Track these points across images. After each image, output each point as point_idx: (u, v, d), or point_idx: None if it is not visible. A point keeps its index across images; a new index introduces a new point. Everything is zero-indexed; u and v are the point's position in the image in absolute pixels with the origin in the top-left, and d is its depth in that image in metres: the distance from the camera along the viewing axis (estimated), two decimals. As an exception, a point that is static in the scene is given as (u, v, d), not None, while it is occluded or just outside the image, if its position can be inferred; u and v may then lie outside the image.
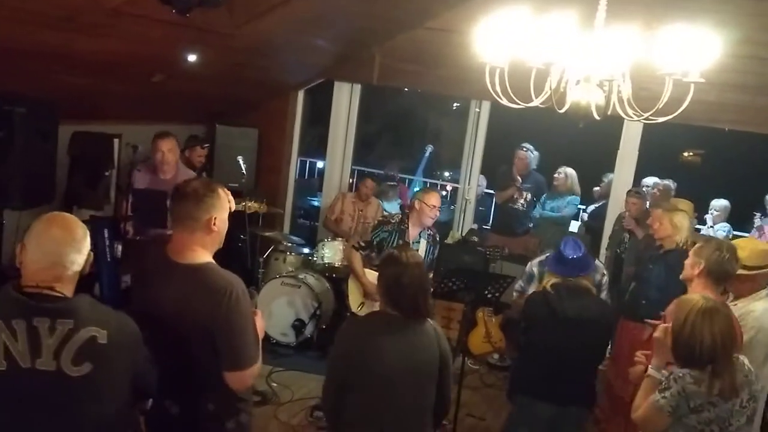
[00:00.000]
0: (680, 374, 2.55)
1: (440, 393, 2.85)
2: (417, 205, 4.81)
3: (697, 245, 3.31)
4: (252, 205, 6.00)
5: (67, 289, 2.04)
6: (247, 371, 2.46)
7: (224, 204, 2.54)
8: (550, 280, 3.74)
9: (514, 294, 4.82)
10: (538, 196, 7.19)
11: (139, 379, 2.15)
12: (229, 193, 2.60)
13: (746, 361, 2.67)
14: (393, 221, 5.00)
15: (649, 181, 6.96)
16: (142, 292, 2.58)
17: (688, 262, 3.29)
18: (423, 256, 4.71)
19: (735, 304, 3.49)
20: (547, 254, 3.99)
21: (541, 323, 3.65)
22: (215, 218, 2.47)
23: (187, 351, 2.42)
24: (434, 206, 4.78)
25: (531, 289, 4.52)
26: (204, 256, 2.47)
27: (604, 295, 4.62)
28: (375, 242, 4.91)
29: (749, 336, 3.34)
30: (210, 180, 2.64)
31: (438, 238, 5.04)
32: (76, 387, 1.96)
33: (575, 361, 3.57)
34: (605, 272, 4.77)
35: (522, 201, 7.15)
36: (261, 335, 2.60)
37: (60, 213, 2.16)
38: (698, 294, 2.80)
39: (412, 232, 4.86)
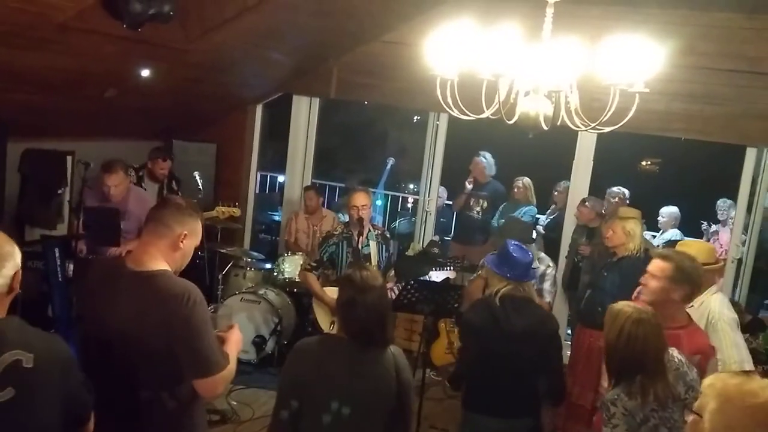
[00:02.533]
0: (615, 396, 2.58)
1: (397, 428, 2.68)
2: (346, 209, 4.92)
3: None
4: (225, 210, 5.95)
5: None
6: (218, 376, 2.39)
7: (198, 230, 2.55)
8: (496, 287, 3.52)
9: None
10: (496, 204, 7.24)
11: (71, 402, 2.07)
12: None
13: (675, 353, 2.72)
14: (336, 232, 4.97)
15: (614, 190, 7.07)
16: (92, 309, 2.52)
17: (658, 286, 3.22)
18: (377, 257, 4.77)
19: (692, 305, 3.53)
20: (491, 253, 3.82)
21: (483, 334, 3.45)
22: (185, 236, 2.48)
23: (139, 369, 2.37)
24: (354, 206, 4.80)
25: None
26: (162, 265, 2.45)
27: (547, 285, 4.73)
28: (325, 258, 4.90)
29: (713, 327, 3.49)
30: (193, 202, 2.63)
31: (390, 235, 5.07)
32: None
33: (518, 373, 3.44)
34: (551, 264, 4.87)
35: (478, 208, 7.19)
36: (239, 348, 2.57)
37: None
38: (627, 303, 2.81)
39: (358, 237, 4.85)
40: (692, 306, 3.55)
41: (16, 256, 2.01)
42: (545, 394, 3.56)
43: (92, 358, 2.44)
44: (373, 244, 4.86)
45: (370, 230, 4.90)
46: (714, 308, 3.57)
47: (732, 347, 3.47)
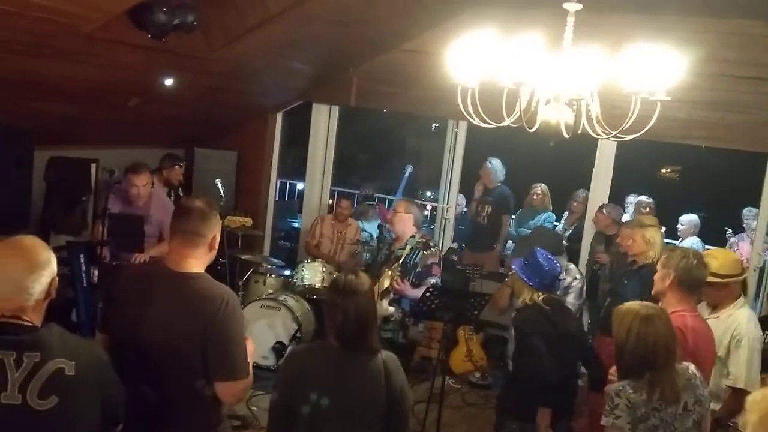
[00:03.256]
0: (620, 387, 2.58)
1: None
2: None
3: (662, 257, 3.34)
4: (236, 220, 6.02)
5: (35, 317, 2.00)
6: (240, 383, 2.44)
7: (220, 224, 2.65)
8: (529, 295, 3.59)
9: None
10: (502, 210, 7.20)
11: (108, 404, 2.11)
12: None
13: (691, 367, 2.71)
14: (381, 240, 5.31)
15: (634, 198, 7.03)
16: (126, 309, 2.54)
17: (657, 276, 3.31)
18: (403, 259, 4.81)
19: (717, 316, 3.57)
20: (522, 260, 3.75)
21: (544, 337, 3.45)
22: (215, 237, 2.58)
23: (171, 368, 2.42)
24: (393, 210, 5.18)
25: None
26: (200, 268, 2.54)
27: (571, 298, 4.70)
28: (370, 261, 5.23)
29: (737, 341, 3.46)
30: (209, 199, 2.69)
31: (433, 245, 5.07)
32: (42, 421, 1.92)
33: (569, 377, 3.55)
34: (578, 276, 4.84)
35: (484, 214, 7.16)
36: (252, 358, 2.61)
37: (19, 238, 2.08)
38: (636, 302, 2.80)
39: (397, 242, 5.03)
40: (718, 317, 3.58)
41: (53, 263, 2.06)
42: (591, 386, 3.66)
43: (126, 356, 2.48)
44: (407, 248, 4.89)
45: (413, 237, 4.96)
46: (742, 323, 3.52)
47: (745, 365, 3.44)
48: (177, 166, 6.11)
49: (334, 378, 2.55)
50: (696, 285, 3.20)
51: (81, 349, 2.04)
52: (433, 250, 4.98)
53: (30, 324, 1.97)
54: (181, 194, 6.19)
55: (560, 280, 3.77)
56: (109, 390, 2.11)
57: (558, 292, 3.79)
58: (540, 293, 3.57)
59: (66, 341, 2.02)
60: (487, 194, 7.23)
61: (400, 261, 4.76)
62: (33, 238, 2.09)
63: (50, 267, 2.04)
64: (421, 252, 4.90)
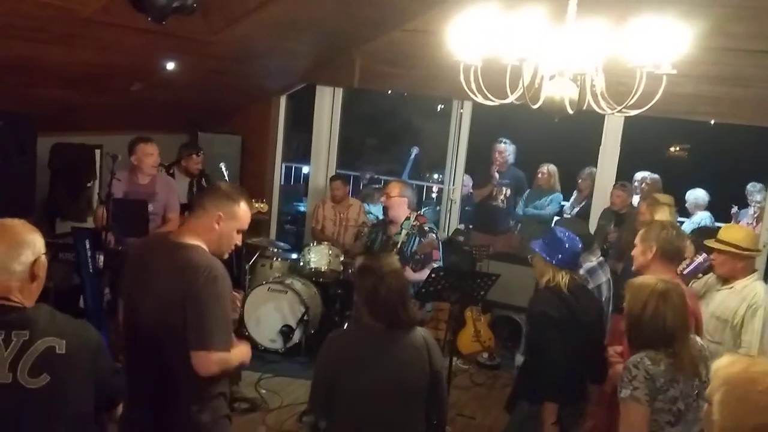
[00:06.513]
0: (638, 359, 2.55)
1: (433, 408, 2.78)
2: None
3: (640, 231, 3.36)
4: (254, 206, 6.01)
5: (26, 298, 1.99)
6: (213, 355, 2.41)
7: (237, 214, 2.62)
8: (552, 275, 3.40)
9: None
10: (518, 192, 7.19)
11: (102, 387, 2.10)
12: (249, 212, 2.69)
13: (699, 339, 2.73)
14: (377, 222, 5.15)
15: (639, 175, 6.98)
16: (133, 281, 2.62)
17: (637, 250, 3.33)
18: (405, 245, 4.86)
19: (732, 287, 3.65)
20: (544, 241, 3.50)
21: (562, 326, 3.31)
22: (220, 217, 2.56)
23: (165, 339, 2.44)
24: (385, 194, 5.15)
25: None
26: (198, 241, 2.55)
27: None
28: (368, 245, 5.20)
29: (752, 311, 3.52)
30: (242, 190, 2.71)
31: (428, 228, 5.01)
32: (34, 399, 1.92)
33: (588, 360, 3.39)
34: (606, 277, 4.49)
35: (501, 197, 7.14)
36: (242, 359, 2.63)
37: (1, 220, 2.05)
38: (650, 276, 2.79)
39: (393, 227, 5.04)
40: (732, 287, 3.65)
41: (37, 244, 2.02)
42: (594, 375, 3.46)
43: (129, 326, 2.55)
44: (403, 233, 4.93)
45: (408, 219, 4.97)
46: (760, 293, 3.59)
47: (757, 335, 3.50)
48: (194, 155, 6.09)
49: (382, 356, 2.67)
50: (678, 254, 3.31)
51: (72, 329, 2.03)
52: (431, 235, 4.97)
53: (18, 304, 1.97)
54: (204, 184, 6.16)
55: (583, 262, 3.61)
56: (103, 372, 2.10)
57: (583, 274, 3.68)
58: (564, 273, 3.38)
59: (56, 320, 2.02)
60: (502, 176, 7.16)
61: (398, 248, 4.79)
62: (16, 220, 2.05)
63: (33, 247, 2.00)
64: (417, 239, 4.92)
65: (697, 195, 6.91)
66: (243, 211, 2.64)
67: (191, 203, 2.71)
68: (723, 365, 1.69)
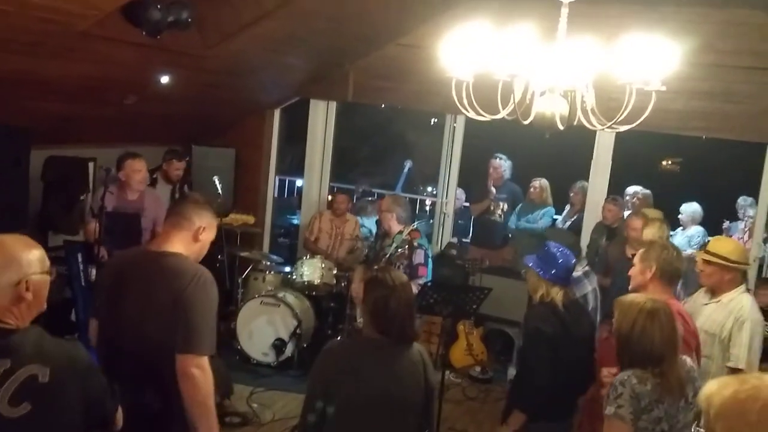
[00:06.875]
0: (624, 377, 2.55)
1: (426, 423, 2.78)
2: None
3: (640, 251, 3.36)
4: (238, 218, 6.02)
5: (17, 318, 1.93)
6: (201, 359, 2.44)
7: (214, 225, 2.69)
8: (546, 291, 3.40)
9: None
10: (514, 206, 7.23)
11: (94, 408, 2.05)
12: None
13: (688, 360, 2.71)
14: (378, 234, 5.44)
15: (630, 190, 7.03)
16: (109, 294, 2.62)
17: (635, 270, 3.34)
18: (388, 257, 4.96)
19: (719, 300, 3.64)
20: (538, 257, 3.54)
21: (555, 342, 3.30)
22: (203, 229, 2.62)
23: (149, 347, 2.45)
24: (380, 210, 5.39)
25: None
26: (180, 249, 2.58)
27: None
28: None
29: (739, 324, 3.51)
30: (207, 197, 2.79)
31: (417, 245, 5.03)
32: (15, 428, 1.86)
33: (580, 376, 3.37)
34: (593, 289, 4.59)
35: (499, 212, 7.18)
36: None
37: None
38: (640, 294, 2.80)
39: (387, 239, 5.17)
40: (719, 301, 3.65)
41: (22, 264, 1.93)
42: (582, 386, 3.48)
43: (108, 337, 2.56)
44: (393, 246, 4.98)
45: (400, 233, 5.03)
46: (746, 306, 3.60)
47: (746, 347, 3.50)
48: (175, 160, 5.97)
49: (379, 369, 2.65)
50: (676, 275, 3.32)
51: (59, 353, 1.96)
52: (419, 251, 4.99)
53: (8, 326, 1.90)
54: (186, 190, 6.11)
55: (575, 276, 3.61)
56: (94, 392, 2.04)
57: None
58: (558, 289, 3.38)
59: (42, 346, 1.93)
60: (499, 191, 7.21)
61: (386, 258, 4.84)
62: (9, 236, 1.97)
63: (14, 268, 1.91)
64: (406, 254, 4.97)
65: (694, 209, 6.94)
66: (216, 222, 2.74)
67: (166, 216, 2.70)
68: (714, 393, 1.60)
